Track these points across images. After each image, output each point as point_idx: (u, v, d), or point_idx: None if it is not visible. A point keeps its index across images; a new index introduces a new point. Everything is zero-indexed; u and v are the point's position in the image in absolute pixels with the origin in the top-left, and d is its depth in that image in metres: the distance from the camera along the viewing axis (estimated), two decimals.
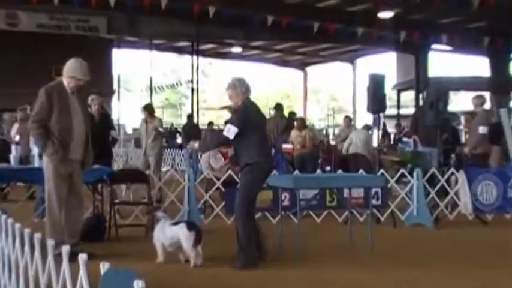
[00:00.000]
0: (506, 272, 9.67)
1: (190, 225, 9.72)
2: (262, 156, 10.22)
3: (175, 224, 9.93)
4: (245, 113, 10.20)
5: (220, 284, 8.66)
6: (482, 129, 16.85)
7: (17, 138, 18.03)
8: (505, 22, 33.71)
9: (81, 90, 10.41)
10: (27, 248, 4.94)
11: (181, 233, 9.51)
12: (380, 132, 23.70)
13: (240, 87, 10.29)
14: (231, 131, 9.91)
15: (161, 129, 18.23)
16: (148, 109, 17.84)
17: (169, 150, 33.23)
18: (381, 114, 19.59)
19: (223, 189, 14.90)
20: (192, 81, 42.64)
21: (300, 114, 30.83)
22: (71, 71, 10.16)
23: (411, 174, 14.76)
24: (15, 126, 18.62)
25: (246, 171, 10.15)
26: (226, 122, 10.47)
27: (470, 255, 11.22)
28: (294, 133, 19.75)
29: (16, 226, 5.28)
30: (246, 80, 10.57)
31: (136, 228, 12.72)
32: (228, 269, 9.64)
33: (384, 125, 28.97)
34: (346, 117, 26.81)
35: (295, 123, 21.72)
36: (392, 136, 33.05)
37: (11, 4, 33.80)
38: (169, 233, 9.72)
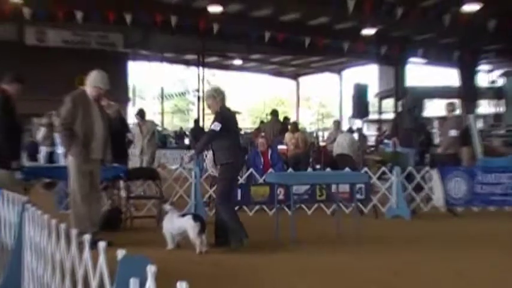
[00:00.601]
0: (475, 257, 9.74)
1: (196, 217, 9.75)
2: (236, 156, 10.57)
3: (183, 216, 9.95)
4: (224, 117, 10.41)
5: (221, 268, 8.66)
6: (453, 133, 16.87)
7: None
8: (473, 39, 33.78)
9: (101, 97, 10.47)
10: (53, 236, 4.95)
11: (188, 224, 9.58)
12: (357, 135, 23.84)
13: (217, 96, 10.54)
14: (216, 126, 10.19)
15: (158, 129, 18.17)
16: (140, 114, 17.81)
17: (177, 150, 33.25)
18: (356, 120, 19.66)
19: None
20: (198, 90, 42.71)
21: (293, 119, 30.74)
22: (94, 81, 10.23)
23: (391, 172, 14.78)
24: (42, 129, 18.59)
25: (224, 170, 10.51)
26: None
27: (443, 243, 11.25)
28: (288, 135, 19.72)
29: (44, 217, 5.29)
30: (222, 89, 10.94)
31: (149, 219, 12.73)
32: (228, 255, 9.67)
33: (360, 129, 28.92)
34: (335, 121, 26.78)
35: (289, 127, 21.72)
36: (374, 138, 33.09)
37: (40, 22, 33.82)
38: (177, 224, 9.81)
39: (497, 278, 8.41)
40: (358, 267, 9.05)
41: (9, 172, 10.11)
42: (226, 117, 10.56)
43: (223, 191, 10.46)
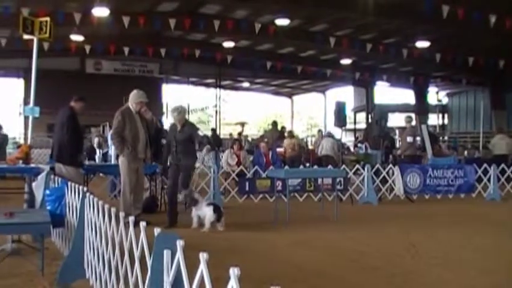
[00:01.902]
0: (426, 231, 9.85)
1: (216, 208, 9.78)
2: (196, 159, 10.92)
3: (208, 204, 9.88)
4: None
5: (231, 242, 8.60)
6: (409, 139, 16.88)
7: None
8: (424, 67, 33.72)
9: (142, 107, 10.47)
10: (106, 217, 4.96)
11: (209, 213, 9.64)
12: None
13: (183, 111, 10.63)
14: (201, 133, 10.83)
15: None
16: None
17: (200, 152, 33.07)
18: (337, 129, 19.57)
19: (236, 179, 14.94)
20: (215, 106, 42.76)
21: (288, 128, 30.67)
22: (136, 98, 10.31)
23: (363, 168, 14.77)
24: (96, 138, 18.60)
25: (188, 167, 10.34)
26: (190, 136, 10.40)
27: (402, 221, 11.25)
28: (286, 141, 19.65)
29: (100, 203, 5.30)
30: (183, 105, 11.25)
31: (178, 205, 12.68)
32: (239, 232, 9.63)
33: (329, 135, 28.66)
34: (319, 130, 26.83)
35: (286, 134, 21.72)
36: (351, 143, 33.14)
37: (97, 56, 33.96)
38: (203, 210, 9.76)
39: (442, 245, 8.50)
40: (337, 239, 9.05)
41: (76, 168, 10.26)
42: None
43: (185, 183, 10.29)
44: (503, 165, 16.65)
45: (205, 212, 9.77)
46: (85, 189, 6.34)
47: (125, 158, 10.08)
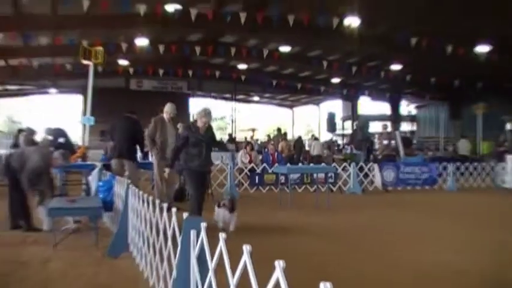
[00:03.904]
0: (398, 215, 9.82)
1: (231, 209, 7.79)
2: None
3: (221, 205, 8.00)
4: None
5: (244, 226, 8.62)
6: (386, 142, 16.80)
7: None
8: (398, 85, 33.59)
9: (173, 120, 10.45)
10: (145, 204, 4.98)
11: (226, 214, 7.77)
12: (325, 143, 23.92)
13: (211, 114, 8.24)
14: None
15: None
16: None
17: (219, 153, 32.95)
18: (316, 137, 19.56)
19: (248, 174, 14.92)
20: (232, 115, 42.80)
21: (290, 134, 30.66)
22: (167, 109, 10.26)
23: (350, 165, 14.73)
24: None
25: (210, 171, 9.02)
26: (211, 139, 8.14)
27: (381, 207, 11.25)
28: (282, 143, 19.42)
29: (140, 192, 5.32)
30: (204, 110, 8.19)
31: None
32: (250, 217, 9.56)
33: (314, 138, 28.65)
34: (312, 135, 26.81)
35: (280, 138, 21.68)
36: (341, 145, 33.12)
37: (138, 76, 34.10)
38: (221, 214, 7.86)
39: (411, 226, 8.48)
40: (329, 223, 9.03)
41: (135, 163, 10.53)
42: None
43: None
44: (467, 163, 16.84)
45: (222, 213, 7.95)
46: (128, 181, 6.38)
47: (155, 157, 10.06)
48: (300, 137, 24.02)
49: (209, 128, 8.14)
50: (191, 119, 40.56)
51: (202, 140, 7.89)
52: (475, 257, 6.30)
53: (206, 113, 8.02)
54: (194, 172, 7.88)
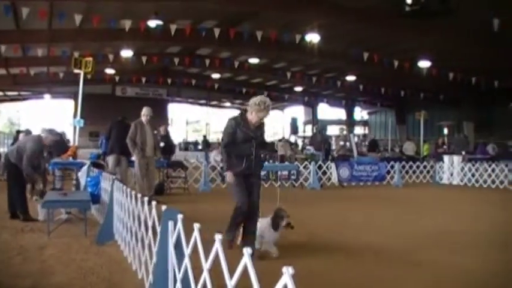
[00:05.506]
0: (354, 207, 9.89)
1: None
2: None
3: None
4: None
5: (223, 215, 8.62)
6: (342, 143, 17.03)
7: None
8: (352, 94, 34.03)
9: (151, 123, 10.27)
10: (129, 198, 4.97)
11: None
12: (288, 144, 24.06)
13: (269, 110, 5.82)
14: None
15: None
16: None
17: (194, 152, 32.66)
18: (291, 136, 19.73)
19: (220, 171, 14.84)
20: (206, 119, 42.66)
21: None
22: (145, 112, 10.04)
23: (310, 164, 14.85)
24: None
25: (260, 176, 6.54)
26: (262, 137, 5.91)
27: (336, 200, 11.34)
28: None
29: (124, 187, 5.31)
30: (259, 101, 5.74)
31: (179, 189, 12.60)
32: (229, 207, 9.59)
33: (284, 139, 28.89)
34: (283, 137, 26.96)
35: None
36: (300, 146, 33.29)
37: (123, 83, 33.89)
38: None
39: (364, 216, 8.58)
40: (290, 214, 9.08)
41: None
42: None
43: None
44: (411, 162, 17.21)
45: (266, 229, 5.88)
46: (113, 177, 6.35)
47: (136, 156, 9.92)
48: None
49: (262, 125, 5.80)
50: (169, 121, 40.46)
51: (253, 138, 5.61)
52: (400, 240, 6.48)
53: (266, 106, 5.62)
54: (239, 176, 5.71)
